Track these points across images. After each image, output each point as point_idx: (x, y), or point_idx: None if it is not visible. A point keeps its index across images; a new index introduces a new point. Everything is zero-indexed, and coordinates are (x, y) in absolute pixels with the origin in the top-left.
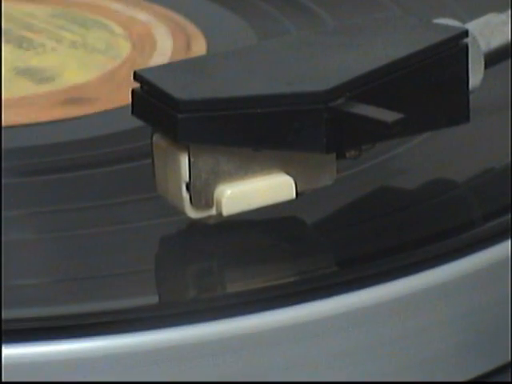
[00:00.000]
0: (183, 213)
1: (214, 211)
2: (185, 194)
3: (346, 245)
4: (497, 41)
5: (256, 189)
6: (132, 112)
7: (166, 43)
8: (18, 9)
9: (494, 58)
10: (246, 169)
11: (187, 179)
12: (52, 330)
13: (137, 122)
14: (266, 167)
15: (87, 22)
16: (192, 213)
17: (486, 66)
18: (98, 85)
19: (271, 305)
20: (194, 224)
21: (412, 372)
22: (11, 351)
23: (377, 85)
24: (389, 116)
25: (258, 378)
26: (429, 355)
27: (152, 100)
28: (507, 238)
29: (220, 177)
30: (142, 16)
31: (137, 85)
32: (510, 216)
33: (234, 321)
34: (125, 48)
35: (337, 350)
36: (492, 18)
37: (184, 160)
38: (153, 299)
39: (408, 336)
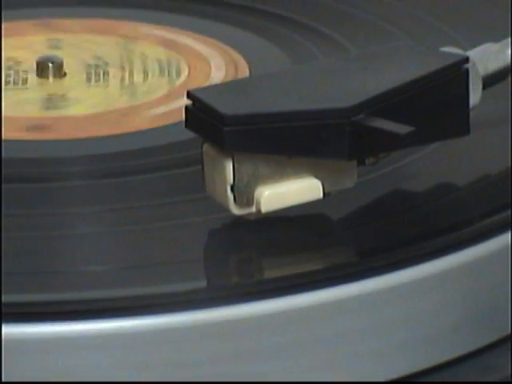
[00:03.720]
0: (228, 210)
1: (254, 209)
2: (229, 195)
3: (365, 238)
4: (493, 66)
5: (289, 190)
6: (185, 125)
7: (220, 70)
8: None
9: (490, 81)
10: (281, 173)
11: (231, 182)
12: (120, 310)
13: (189, 134)
14: (298, 172)
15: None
16: (235, 210)
17: (484, 87)
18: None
19: (302, 288)
20: (238, 220)
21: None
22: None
23: (392, 102)
24: (402, 129)
25: (294, 349)
26: (434, 333)
27: (202, 115)
28: (507, 231)
29: (259, 180)
30: (200, 47)
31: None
32: (510, 211)
33: (271, 301)
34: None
35: (358, 326)
36: (489, 47)
37: (229, 166)
38: (203, 283)
39: (417, 316)
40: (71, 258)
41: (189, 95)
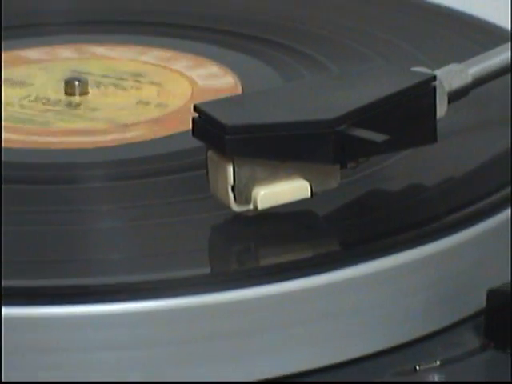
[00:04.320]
0: (229, 208)
1: (251, 206)
2: (230, 194)
3: (348, 230)
4: (456, 83)
5: (282, 190)
6: (192, 134)
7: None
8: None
9: (454, 96)
10: (275, 175)
11: (232, 183)
12: (136, 292)
13: (196, 142)
14: (290, 174)
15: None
16: (235, 208)
17: (449, 102)
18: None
19: (293, 274)
20: (237, 216)
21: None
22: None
23: (370, 115)
24: (378, 137)
25: (287, 327)
26: (407, 313)
27: (207, 125)
28: (469, 226)
29: (256, 181)
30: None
31: (196, 115)
32: (509, 192)
33: (267, 286)
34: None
35: (343, 306)
36: (453, 67)
37: (230, 169)
38: (207, 270)
39: (392, 297)
40: (96, 248)
41: (195, 108)
